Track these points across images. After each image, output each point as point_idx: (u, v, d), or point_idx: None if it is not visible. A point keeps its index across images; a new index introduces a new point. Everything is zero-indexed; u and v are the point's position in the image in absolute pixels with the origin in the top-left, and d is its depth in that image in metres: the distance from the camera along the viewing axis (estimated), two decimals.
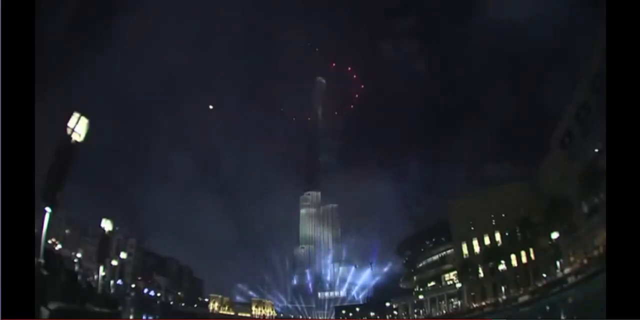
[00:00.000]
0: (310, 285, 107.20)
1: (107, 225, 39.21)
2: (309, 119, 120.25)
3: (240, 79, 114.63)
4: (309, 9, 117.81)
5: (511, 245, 53.11)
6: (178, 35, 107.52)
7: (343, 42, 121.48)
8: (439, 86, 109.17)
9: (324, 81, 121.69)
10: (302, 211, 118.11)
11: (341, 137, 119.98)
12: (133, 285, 71.67)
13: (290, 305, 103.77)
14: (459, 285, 61.23)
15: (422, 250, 73.34)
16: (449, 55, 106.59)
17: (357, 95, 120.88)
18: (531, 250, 50.58)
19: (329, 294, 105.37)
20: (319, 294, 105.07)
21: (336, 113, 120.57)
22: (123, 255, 61.15)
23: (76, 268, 45.16)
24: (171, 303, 79.54)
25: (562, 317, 34.18)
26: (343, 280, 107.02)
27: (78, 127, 20.84)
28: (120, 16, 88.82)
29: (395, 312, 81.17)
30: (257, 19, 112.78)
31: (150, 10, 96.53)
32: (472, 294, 57.94)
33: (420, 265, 74.13)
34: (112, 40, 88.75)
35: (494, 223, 58.18)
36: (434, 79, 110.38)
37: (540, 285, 42.15)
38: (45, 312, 14.23)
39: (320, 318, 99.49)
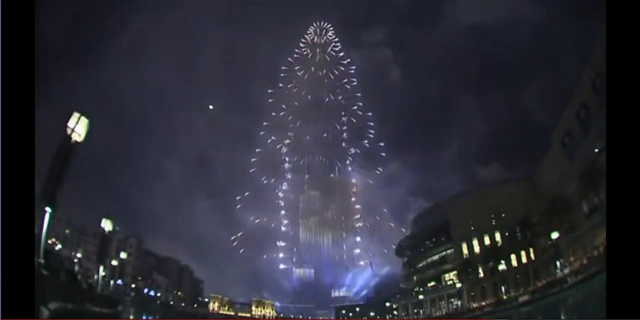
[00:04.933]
0: (310, 285, 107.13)
1: (107, 225, 39.38)
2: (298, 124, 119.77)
3: (231, 84, 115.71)
4: (287, 18, 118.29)
5: (511, 245, 53.05)
6: (172, 42, 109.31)
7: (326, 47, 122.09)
8: (427, 89, 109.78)
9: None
10: (302, 211, 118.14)
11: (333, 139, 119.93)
12: (133, 285, 71.66)
13: (290, 305, 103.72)
14: (459, 285, 61.15)
15: (422, 250, 73.25)
16: (435, 59, 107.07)
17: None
18: (531, 250, 50.53)
19: (330, 293, 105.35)
20: (320, 294, 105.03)
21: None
22: (123, 255, 61.10)
23: (76, 268, 45.06)
24: (171, 303, 79.54)
25: (562, 317, 34.18)
26: (343, 281, 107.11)
27: (78, 127, 20.90)
28: (117, 24, 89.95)
29: (395, 312, 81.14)
30: (244, 26, 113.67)
31: (147, 17, 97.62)
32: (472, 294, 57.89)
33: (420, 265, 74.04)
34: (109, 47, 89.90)
35: (494, 223, 58.10)
36: (421, 82, 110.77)
37: (540, 285, 42.09)
38: (45, 312, 14.25)
39: (320, 318, 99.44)
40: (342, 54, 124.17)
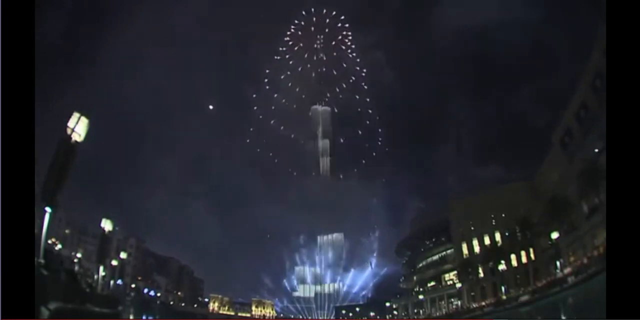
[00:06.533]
0: (310, 285, 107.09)
1: (107, 225, 39.39)
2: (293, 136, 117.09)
3: (230, 84, 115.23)
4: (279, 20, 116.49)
5: (511, 245, 53.09)
6: (170, 43, 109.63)
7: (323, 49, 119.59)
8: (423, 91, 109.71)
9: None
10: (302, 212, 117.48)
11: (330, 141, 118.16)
12: (133, 285, 71.67)
13: (290, 305, 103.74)
14: (459, 285, 61.22)
15: (422, 250, 73.39)
16: (432, 60, 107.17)
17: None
18: (531, 250, 50.59)
19: (329, 294, 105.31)
20: (319, 294, 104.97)
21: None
22: (123, 255, 61.16)
23: (76, 268, 45.10)
24: (171, 303, 79.55)
25: (562, 317, 34.18)
26: (343, 281, 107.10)
27: (78, 127, 20.90)
28: (115, 25, 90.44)
29: (395, 312, 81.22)
30: (239, 29, 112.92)
31: (146, 20, 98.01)
32: (472, 294, 57.94)
33: (420, 265, 74.17)
34: (108, 50, 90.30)
35: (494, 223, 58.21)
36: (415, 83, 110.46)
37: (540, 285, 42.08)
38: (45, 312, 14.25)
39: (320, 318, 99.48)
40: (350, 51, 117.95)
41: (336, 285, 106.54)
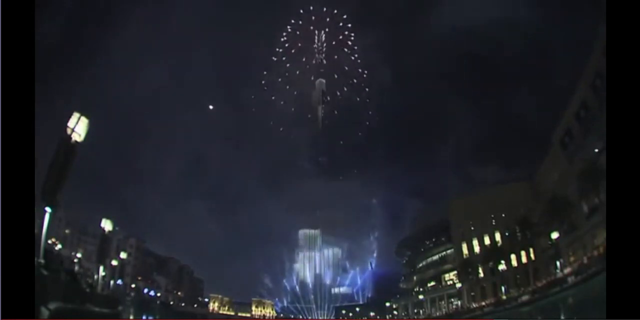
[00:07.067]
0: (310, 285, 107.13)
1: (107, 225, 39.47)
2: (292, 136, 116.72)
3: (228, 85, 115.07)
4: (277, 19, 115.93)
5: (511, 245, 53.06)
6: (169, 44, 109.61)
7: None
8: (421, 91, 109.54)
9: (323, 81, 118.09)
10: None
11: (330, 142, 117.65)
12: (133, 285, 71.70)
13: (290, 306, 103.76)
14: (459, 285, 61.23)
15: (422, 250, 73.41)
16: (430, 60, 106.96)
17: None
18: (531, 250, 50.55)
19: (330, 294, 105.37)
20: (319, 294, 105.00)
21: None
22: (123, 255, 61.21)
23: (76, 268, 45.12)
24: (171, 303, 79.56)
25: (562, 317, 34.17)
26: (343, 281, 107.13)
27: (78, 127, 20.92)
28: (117, 26, 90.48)
29: (395, 312, 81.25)
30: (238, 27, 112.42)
31: (145, 19, 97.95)
32: (472, 294, 57.92)
33: (420, 265, 74.18)
34: (108, 50, 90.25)
35: (494, 223, 58.19)
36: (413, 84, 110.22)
37: (540, 285, 42.07)
38: (45, 312, 14.25)
39: (320, 318, 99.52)
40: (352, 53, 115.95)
41: (336, 285, 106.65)
